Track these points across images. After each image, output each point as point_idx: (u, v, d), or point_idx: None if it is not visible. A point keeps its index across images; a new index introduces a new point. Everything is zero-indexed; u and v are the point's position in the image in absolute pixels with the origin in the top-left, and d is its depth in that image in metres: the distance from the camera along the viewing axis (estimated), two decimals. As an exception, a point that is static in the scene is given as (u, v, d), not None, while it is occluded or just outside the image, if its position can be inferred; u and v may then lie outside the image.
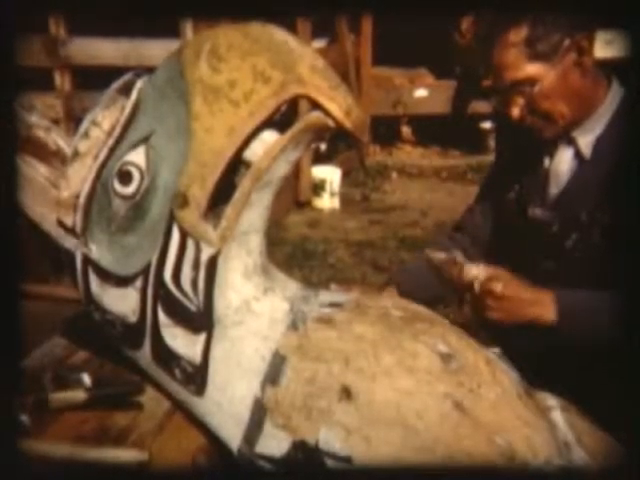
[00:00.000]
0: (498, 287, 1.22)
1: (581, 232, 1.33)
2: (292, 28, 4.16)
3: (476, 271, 1.24)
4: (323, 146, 5.19)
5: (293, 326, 1.02)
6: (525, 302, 1.24)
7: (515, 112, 1.33)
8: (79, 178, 1.05)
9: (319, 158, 5.09)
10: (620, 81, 1.38)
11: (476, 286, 1.23)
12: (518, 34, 1.28)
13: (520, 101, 1.32)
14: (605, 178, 1.32)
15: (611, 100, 1.35)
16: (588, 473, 0.95)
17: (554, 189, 1.40)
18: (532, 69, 1.29)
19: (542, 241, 1.38)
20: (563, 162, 1.39)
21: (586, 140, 1.36)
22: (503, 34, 1.28)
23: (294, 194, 4.88)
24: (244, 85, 0.92)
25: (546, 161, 1.41)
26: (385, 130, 6.13)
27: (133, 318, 1.04)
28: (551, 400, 1.07)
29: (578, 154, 1.37)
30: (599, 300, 1.25)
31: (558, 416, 1.04)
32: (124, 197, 1.02)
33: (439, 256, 1.30)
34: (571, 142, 1.37)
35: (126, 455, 1.01)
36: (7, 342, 0.99)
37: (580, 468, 0.95)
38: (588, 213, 1.32)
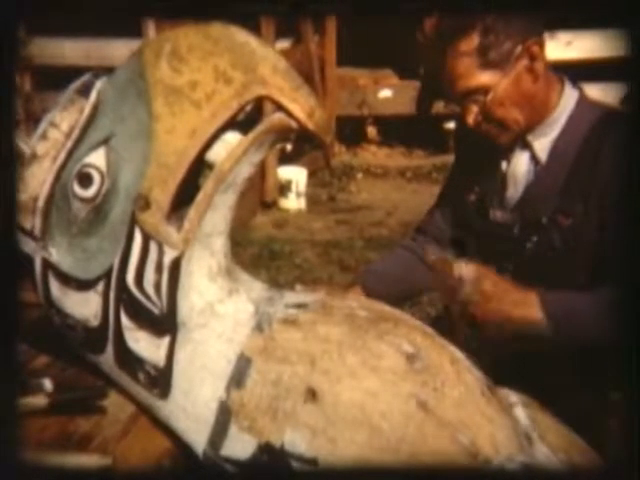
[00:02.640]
0: (488, 286, 1.23)
1: (541, 234, 1.35)
2: (256, 29, 4.15)
3: (465, 269, 1.25)
4: (289, 147, 5.19)
5: (258, 328, 1.01)
6: (513, 303, 1.23)
7: (470, 120, 1.34)
8: (37, 181, 1.04)
9: (285, 159, 5.09)
10: (572, 83, 1.40)
11: (466, 285, 1.23)
12: (469, 43, 1.28)
13: (474, 109, 1.33)
14: (562, 181, 1.34)
15: (565, 103, 1.37)
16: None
17: (512, 192, 1.42)
18: (484, 78, 1.30)
19: (503, 243, 1.40)
20: (520, 165, 1.41)
21: (541, 144, 1.38)
22: (454, 43, 1.29)
23: (260, 195, 4.87)
24: (206, 86, 0.92)
25: (503, 164, 1.43)
26: (350, 131, 6.15)
27: (95, 322, 1.03)
28: (513, 396, 1.08)
29: (534, 158, 1.39)
30: (584, 301, 1.26)
31: (520, 412, 1.05)
32: (84, 200, 1.00)
33: (431, 256, 1.31)
34: (527, 146, 1.39)
35: (89, 460, 1.00)
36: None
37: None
38: (548, 216, 1.34)
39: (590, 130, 1.33)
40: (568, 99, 1.37)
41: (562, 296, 1.27)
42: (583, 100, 1.38)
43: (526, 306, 1.24)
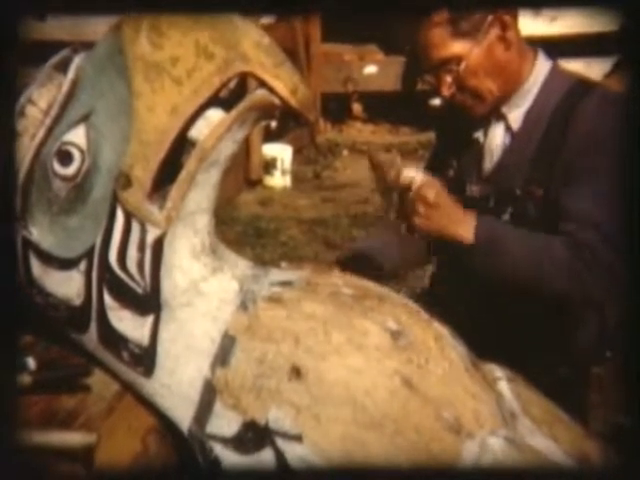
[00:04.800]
0: (431, 194, 1.24)
1: (516, 206, 1.36)
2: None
3: (414, 174, 1.26)
4: (273, 124, 5.15)
5: (242, 306, 1.01)
6: (451, 216, 1.27)
7: (444, 91, 1.34)
8: (16, 159, 1.02)
9: (270, 136, 5.06)
10: (546, 54, 1.40)
11: (413, 188, 1.25)
12: (441, 13, 1.29)
13: (448, 80, 1.33)
14: (534, 151, 1.35)
15: (537, 74, 1.38)
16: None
17: (488, 164, 1.43)
18: (457, 47, 1.31)
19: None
20: (495, 137, 1.42)
21: (515, 115, 1.39)
22: (427, 14, 1.29)
23: (245, 173, 4.84)
24: (186, 62, 0.91)
25: (480, 137, 1.44)
26: (336, 107, 6.12)
27: (78, 301, 1.02)
28: (498, 371, 1.09)
29: (509, 129, 1.40)
30: (513, 237, 1.29)
31: (504, 387, 1.06)
32: (65, 178, 0.99)
33: (380, 157, 1.32)
34: (501, 118, 1.40)
35: (74, 438, 1.00)
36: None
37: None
38: (522, 187, 1.35)
39: (561, 100, 1.34)
40: (541, 69, 1.38)
41: (495, 226, 1.30)
42: (555, 70, 1.39)
43: (462, 225, 1.27)
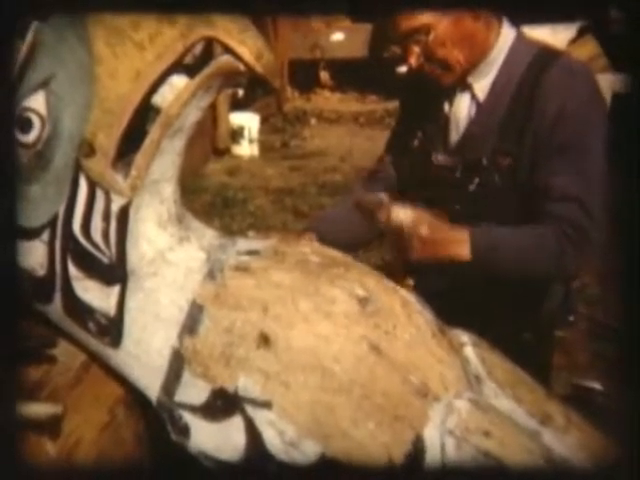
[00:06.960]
0: (424, 230, 1.26)
1: (482, 176, 1.37)
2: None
3: (403, 215, 1.28)
4: (240, 92, 5.10)
5: (210, 275, 1.01)
6: (445, 242, 1.28)
7: (412, 61, 1.34)
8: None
9: (237, 104, 5.01)
10: (511, 22, 1.40)
11: (405, 229, 1.27)
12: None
13: (417, 50, 1.33)
14: (500, 121, 1.35)
15: (502, 42, 1.38)
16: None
17: (454, 135, 1.43)
18: (426, 17, 1.30)
19: (447, 187, 1.41)
20: (461, 107, 1.42)
21: (480, 85, 1.39)
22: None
23: (212, 141, 4.80)
24: (148, 26, 0.89)
25: (446, 107, 1.44)
26: (303, 75, 6.07)
27: (41, 271, 1.01)
28: (464, 337, 1.11)
29: (474, 98, 1.40)
30: (507, 236, 1.31)
31: (470, 351, 1.08)
32: (24, 145, 0.97)
33: (367, 198, 1.33)
34: (467, 87, 1.40)
35: (40, 409, 0.99)
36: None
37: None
38: (489, 157, 1.36)
39: (526, 70, 1.35)
40: (505, 38, 1.38)
41: (488, 235, 1.31)
42: (520, 39, 1.39)
43: (457, 245, 1.29)
